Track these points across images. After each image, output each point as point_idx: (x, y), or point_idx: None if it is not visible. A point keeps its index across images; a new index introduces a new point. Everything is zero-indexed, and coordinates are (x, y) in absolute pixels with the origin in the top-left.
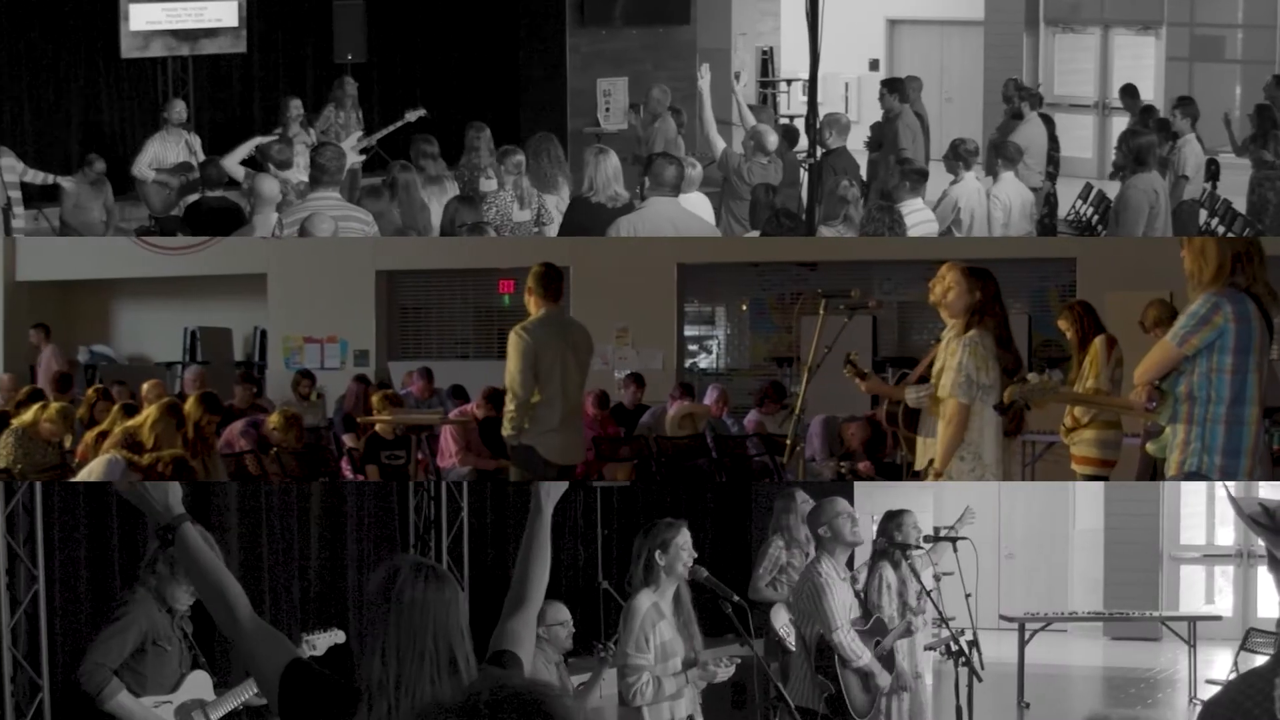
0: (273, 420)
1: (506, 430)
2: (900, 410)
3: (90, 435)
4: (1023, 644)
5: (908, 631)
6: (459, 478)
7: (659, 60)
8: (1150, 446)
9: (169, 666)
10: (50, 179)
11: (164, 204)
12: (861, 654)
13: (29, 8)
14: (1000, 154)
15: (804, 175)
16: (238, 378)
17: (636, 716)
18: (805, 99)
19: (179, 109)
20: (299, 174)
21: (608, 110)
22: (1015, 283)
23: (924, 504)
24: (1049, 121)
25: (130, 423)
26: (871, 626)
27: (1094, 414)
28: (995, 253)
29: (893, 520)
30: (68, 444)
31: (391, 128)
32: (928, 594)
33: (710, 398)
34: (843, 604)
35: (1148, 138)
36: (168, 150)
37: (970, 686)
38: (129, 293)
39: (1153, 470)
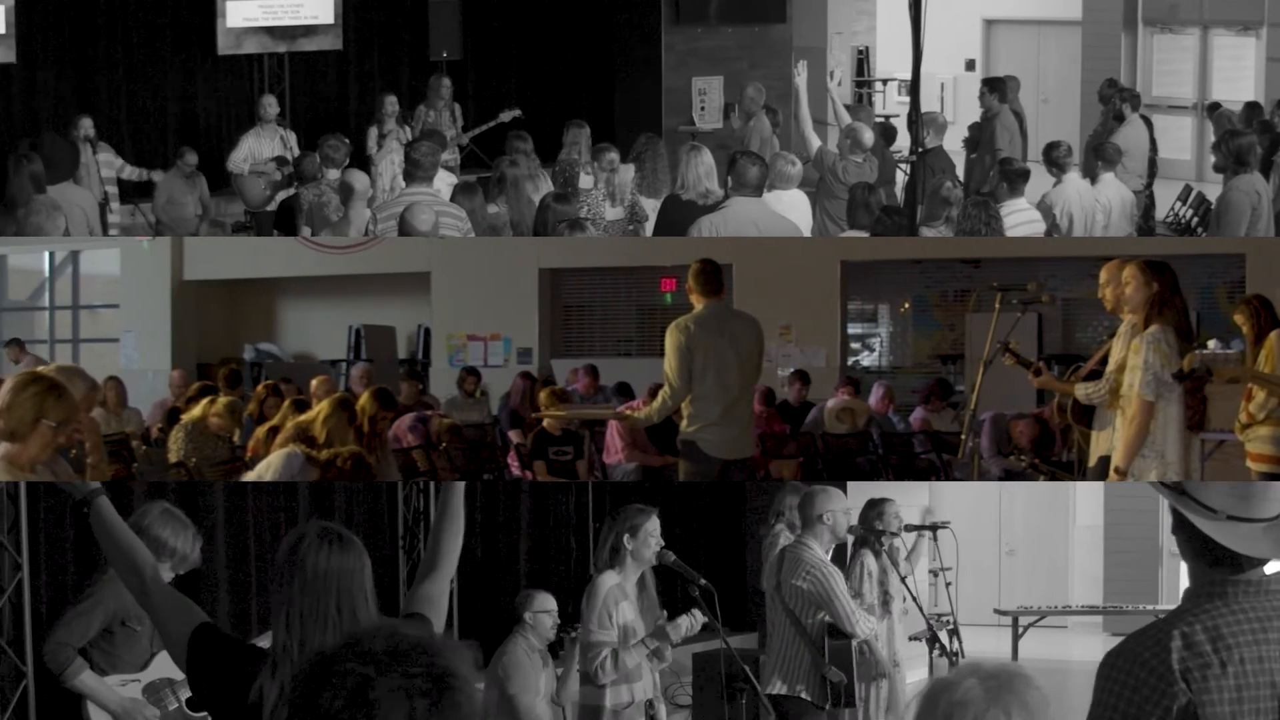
0: (435, 427)
1: (650, 414)
2: (1071, 404)
3: (261, 430)
4: (1016, 638)
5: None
6: (625, 474)
7: (754, 59)
8: None
9: (139, 646)
10: (145, 175)
11: (258, 198)
12: (874, 628)
13: (127, 4)
14: (1100, 155)
15: (899, 174)
16: (404, 374)
17: (598, 696)
18: (900, 99)
19: (272, 105)
20: (393, 171)
21: (703, 109)
22: (1182, 279)
23: (919, 500)
24: (1149, 124)
25: (302, 418)
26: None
27: (1270, 409)
28: (1161, 250)
29: (874, 509)
30: (236, 439)
31: (486, 126)
32: (903, 580)
33: (875, 395)
34: (847, 590)
35: (1248, 138)
36: (262, 145)
37: None
38: (294, 291)
39: None
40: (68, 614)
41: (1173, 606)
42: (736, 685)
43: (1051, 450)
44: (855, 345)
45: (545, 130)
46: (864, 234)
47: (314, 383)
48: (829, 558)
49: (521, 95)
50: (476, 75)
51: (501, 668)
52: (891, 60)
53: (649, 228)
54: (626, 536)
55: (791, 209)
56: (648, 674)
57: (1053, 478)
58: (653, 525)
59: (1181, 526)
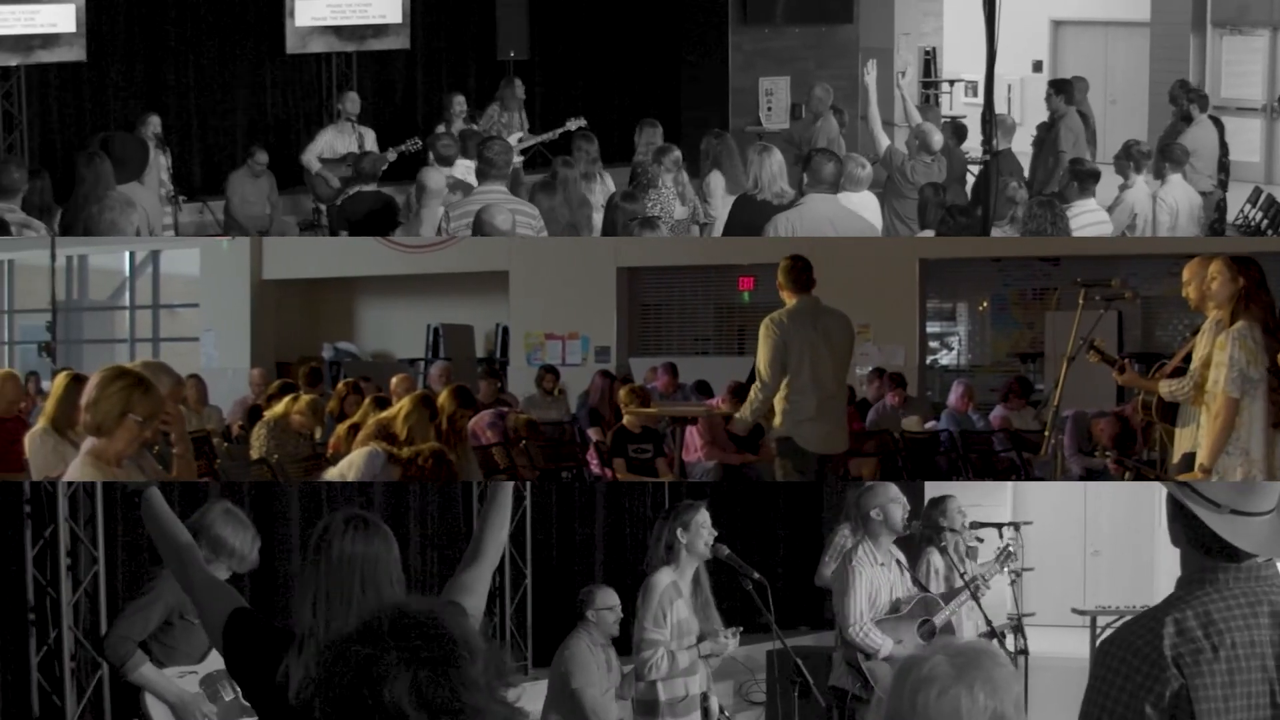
0: (512, 423)
1: (745, 415)
2: (1155, 401)
3: (342, 428)
4: (1094, 638)
5: (975, 594)
6: (704, 472)
7: (821, 59)
8: None
9: (196, 638)
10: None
11: (327, 193)
12: (878, 646)
13: (196, 2)
14: (1167, 157)
15: (968, 174)
16: (483, 373)
17: (651, 691)
18: (967, 99)
19: (353, 102)
20: (462, 171)
21: (769, 109)
22: (1268, 278)
23: (1001, 499)
24: (1219, 125)
25: (383, 415)
26: (914, 608)
27: None
28: (1243, 250)
29: (937, 506)
30: (318, 436)
31: (553, 134)
32: (963, 577)
33: (955, 394)
34: (868, 595)
35: None
36: (338, 142)
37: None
38: (373, 290)
39: None
40: (128, 609)
41: None
42: (795, 679)
43: (1133, 448)
44: (934, 344)
45: (612, 130)
46: (930, 233)
47: (394, 381)
48: (887, 553)
49: (588, 95)
50: (543, 75)
51: (563, 663)
52: (958, 61)
53: (715, 229)
54: (679, 531)
55: (861, 210)
56: (702, 668)
57: (1138, 475)
58: (703, 518)
59: (1178, 515)
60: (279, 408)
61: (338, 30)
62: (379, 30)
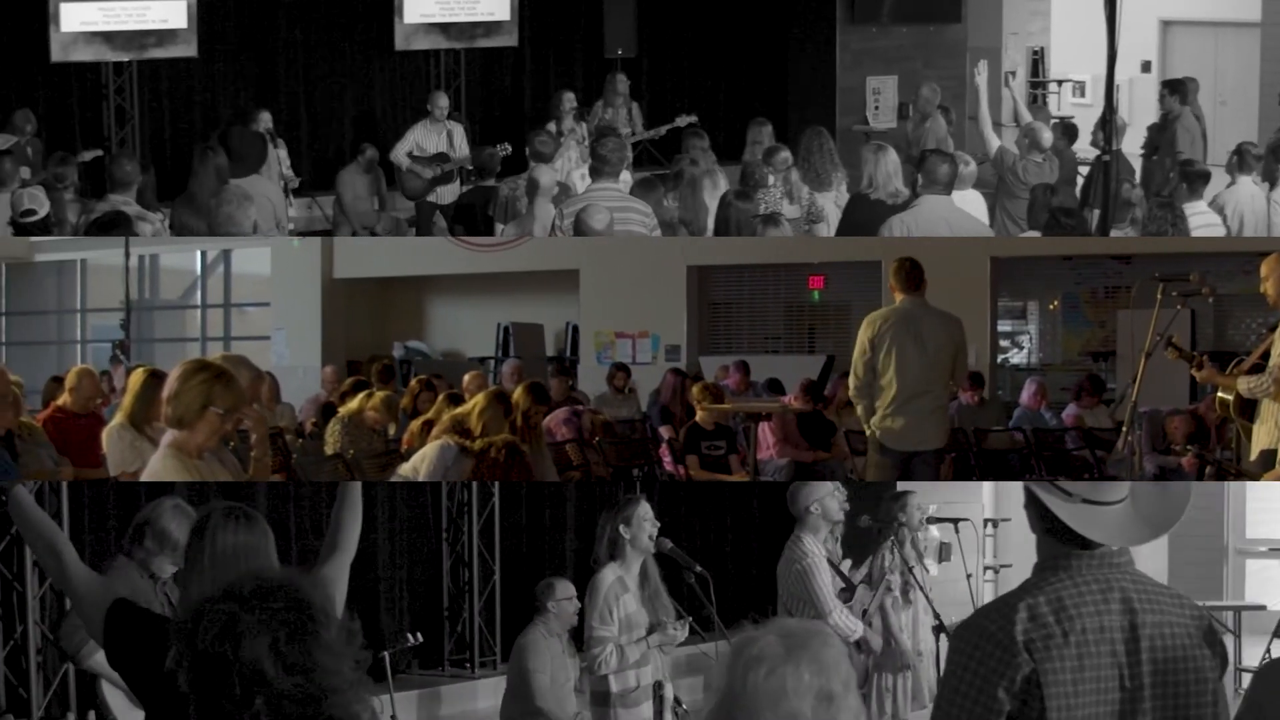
0: (587, 423)
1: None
2: (1233, 398)
3: (416, 424)
4: None
5: (887, 589)
6: (776, 470)
7: (929, 59)
8: None
9: None
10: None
11: (416, 190)
12: (855, 629)
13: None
14: (1279, 158)
15: (1078, 175)
16: (554, 370)
17: (603, 684)
18: (1074, 99)
19: (441, 102)
20: (569, 167)
21: (877, 108)
22: None
23: (977, 497)
24: None
25: (458, 410)
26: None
27: None
28: None
29: (896, 501)
30: (392, 432)
31: (662, 130)
32: (910, 572)
33: (1028, 392)
34: (829, 582)
35: None
36: (425, 139)
37: None
38: (443, 289)
39: None
40: None
41: (1237, 604)
42: None
43: (1207, 446)
44: (1004, 343)
45: (718, 128)
46: (1037, 234)
47: (466, 378)
48: (824, 546)
49: (695, 93)
50: (650, 72)
51: (518, 648)
52: (1066, 61)
53: (825, 227)
54: (622, 526)
55: (967, 208)
56: (656, 657)
57: (1218, 471)
58: (644, 511)
59: (1033, 503)
60: (353, 404)
61: (446, 28)
62: (488, 28)
